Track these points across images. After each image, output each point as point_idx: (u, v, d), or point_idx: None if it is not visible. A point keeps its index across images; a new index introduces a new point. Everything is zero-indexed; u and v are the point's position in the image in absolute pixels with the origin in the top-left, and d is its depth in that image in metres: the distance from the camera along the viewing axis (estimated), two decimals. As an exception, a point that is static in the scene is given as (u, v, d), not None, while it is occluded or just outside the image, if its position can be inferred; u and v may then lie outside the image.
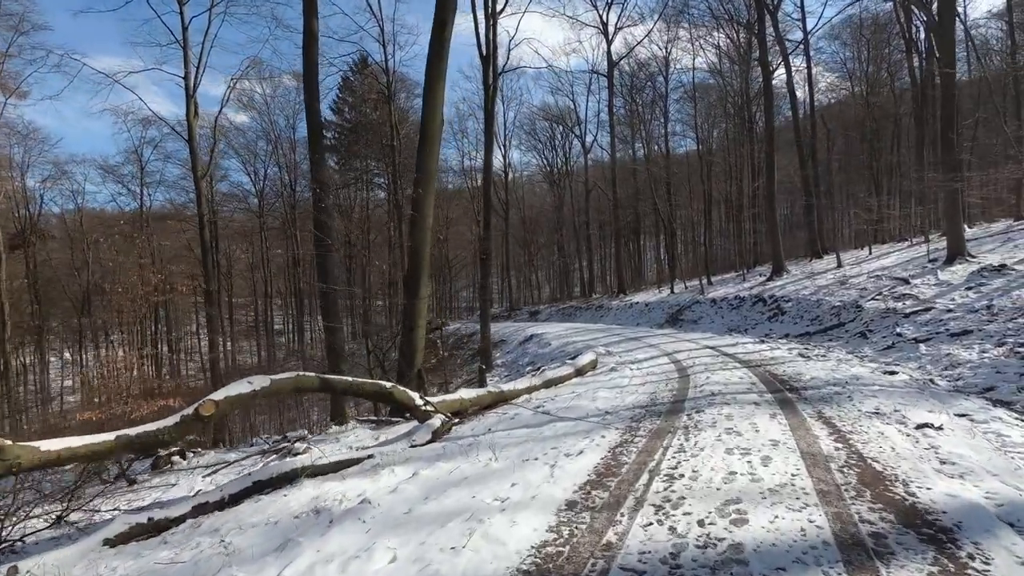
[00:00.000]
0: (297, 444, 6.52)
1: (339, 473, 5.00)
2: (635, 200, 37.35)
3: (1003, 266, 14.24)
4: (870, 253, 22.64)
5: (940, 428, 5.12)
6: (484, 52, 20.03)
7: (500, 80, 20.85)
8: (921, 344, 11.51)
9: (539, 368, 16.48)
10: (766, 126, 23.25)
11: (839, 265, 21.05)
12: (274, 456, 6.28)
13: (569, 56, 50.19)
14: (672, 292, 27.59)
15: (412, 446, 5.72)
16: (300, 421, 16.86)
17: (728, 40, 32.07)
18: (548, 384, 9.79)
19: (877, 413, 5.87)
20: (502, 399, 8.56)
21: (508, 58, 21.54)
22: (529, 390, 9.23)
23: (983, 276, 14.16)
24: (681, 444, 5.00)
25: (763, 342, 14.35)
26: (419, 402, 6.74)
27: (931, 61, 29.31)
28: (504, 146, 40.31)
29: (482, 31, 19.85)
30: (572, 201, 42.03)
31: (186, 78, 19.78)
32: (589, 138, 38.16)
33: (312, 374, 6.09)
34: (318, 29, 11.91)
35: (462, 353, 31.72)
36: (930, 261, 17.07)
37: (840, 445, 4.71)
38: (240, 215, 36.06)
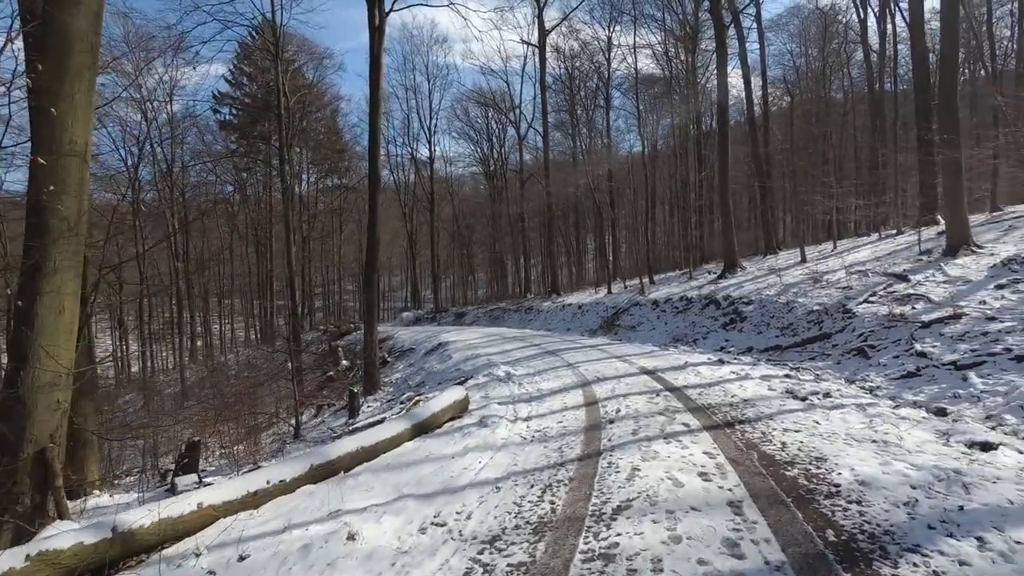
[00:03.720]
0: None
1: None
2: (575, 194, 32.78)
3: (1039, 257, 10.03)
4: (834, 247, 18.54)
5: None
6: (367, -17, 14.85)
7: (388, 23, 15.57)
8: (970, 372, 7.01)
9: (419, 396, 11.42)
10: (719, 93, 18.81)
11: (803, 260, 16.78)
12: None
13: (501, 31, 45.33)
14: (609, 292, 22.95)
15: None
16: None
17: (674, 15, 27.80)
18: (316, 476, 4.66)
19: None
20: (128, 551, 3.37)
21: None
22: (244, 504, 4.06)
23: (1013, 270, 9.93)
24: None
25: (722, 362, 9.64)
26: None
27: (883, 54, 26.03)
28: (430, 130, 34.97)
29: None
30: (508, 194, 37.10)
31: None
32: (524, 125, 33.27)
33: None
34: None
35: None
36: (923, 253, 12.90)
37: None
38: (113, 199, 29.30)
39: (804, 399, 6.42)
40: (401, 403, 11.77)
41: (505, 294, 37.20)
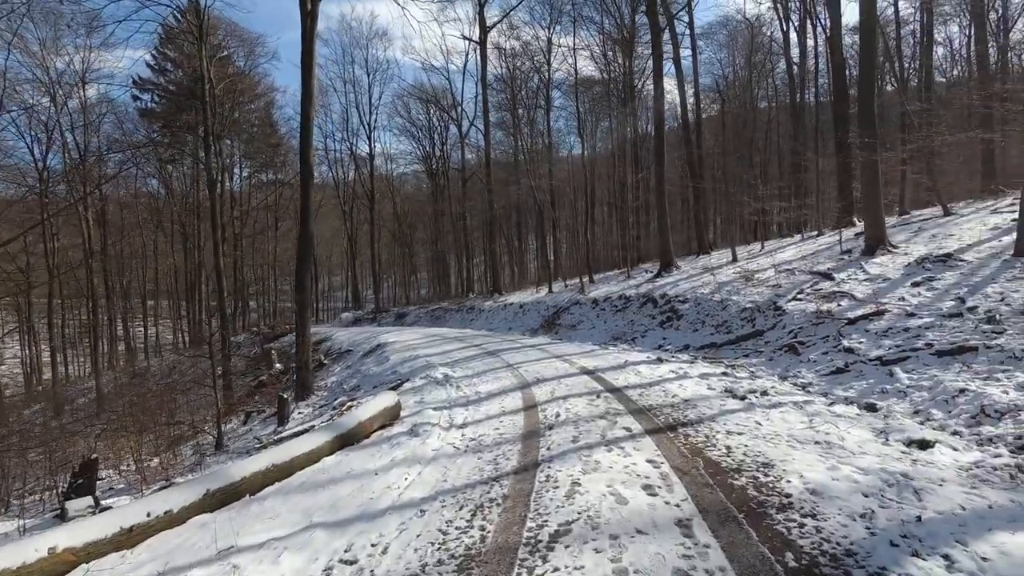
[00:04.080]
0: None
1: None
2: (516, 193, 32.49)
3: (948, 256, 10.47)
4: (762, 247, 19.07)
5: None
6: (298, -35, 13.87)
7: (320, 9, 14.60)
8: (895, 368, 7.07)
9: (351, 401, 10.73)
10: (655, 96, 18.92)
11: (734, 259, 17.11)
12: None
13: (442, 25, 43.64)
14: (550, 292, 22.75)
15: None
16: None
17: (612, 19, 27.96)
18: (214, 503, 3.98)
19: None
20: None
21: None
22: (117, 543, 3.34)
23: (927, 269, 10.29)
24: None
25: (661, 361, 9.48)
26: None
27: (803, 65, 27.27)
28: (369, 126, 33.72)
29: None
30: (450, 193, 36.36)
31: None
32: (466, 123, 32.64)
33: None
34: None
35: (303, 366, 24.81)
36: (844, 253, 13.33)
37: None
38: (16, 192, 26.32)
39: (743, 398, 6.25)
40: (333, 409, 11.01)
41: (448, 294, 36.47)
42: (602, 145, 35.82)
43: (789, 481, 3.48)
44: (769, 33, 32.27)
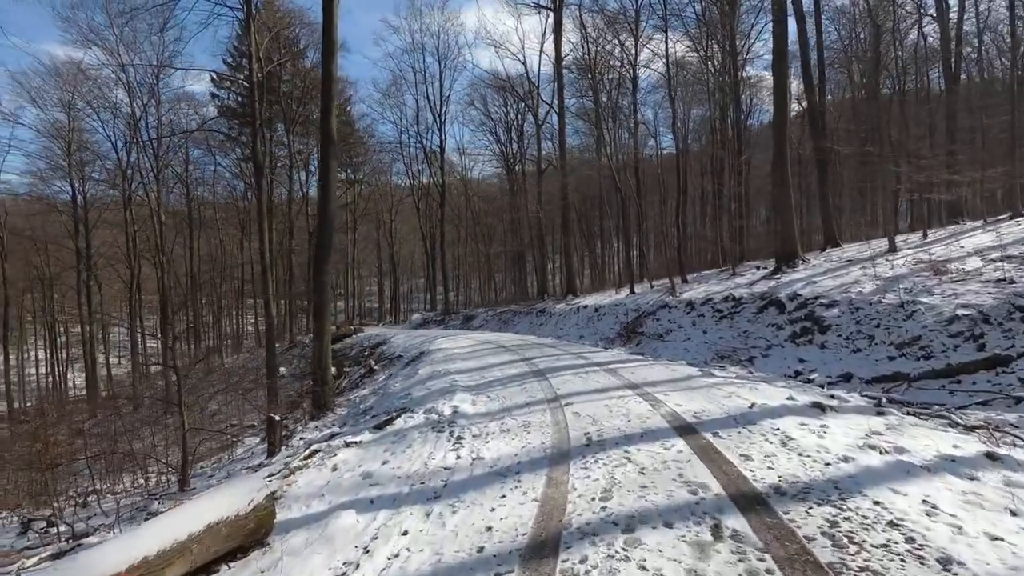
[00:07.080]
0: None
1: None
2: (600, 185, 28.12)
3: None
4: (925, 237, 13.51)
5: None
6: None
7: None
8: None
9: (325, 441, 7.29)
10: (775, 43, 13.98)
11: (892, 249, 11.86)
12: None
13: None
14: (632, 293, 18.29)
15: None
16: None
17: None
18: None
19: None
20: None
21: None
22: None
23: None
24: None
25: (821, 409, 5.01)
26: None
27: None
28: (440, 117, 30.86)
29: None
30: (527, 189, 32.74)
31: None
32: (543, 109, 28.71)
33: None
34: None
35: (357, 370, 22.07)
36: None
37: None
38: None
39: None
40: (308, 446, 7.58)
41: (524, 295, 32.84)
42: (694, 133, 30.59)
43: None
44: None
